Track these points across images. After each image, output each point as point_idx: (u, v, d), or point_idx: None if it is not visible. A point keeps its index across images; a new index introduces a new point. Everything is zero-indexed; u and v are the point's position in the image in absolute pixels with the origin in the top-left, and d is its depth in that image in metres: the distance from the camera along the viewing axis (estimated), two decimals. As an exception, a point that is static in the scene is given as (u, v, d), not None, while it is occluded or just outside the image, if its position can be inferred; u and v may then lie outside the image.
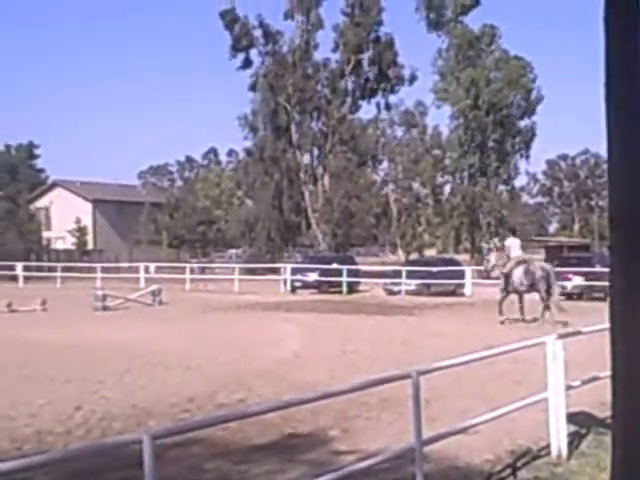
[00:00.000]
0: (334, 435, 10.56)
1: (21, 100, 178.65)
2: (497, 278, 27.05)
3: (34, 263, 58.02)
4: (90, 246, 76.69)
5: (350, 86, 63.90)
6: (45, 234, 77.53)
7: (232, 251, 72.16)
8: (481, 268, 31.83)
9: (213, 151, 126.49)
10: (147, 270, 49.49)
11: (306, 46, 62.90)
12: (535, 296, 25.36)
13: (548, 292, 24.64)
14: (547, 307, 24.70)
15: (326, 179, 63.63)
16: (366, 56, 63.24)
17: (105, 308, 30.91)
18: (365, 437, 10.32)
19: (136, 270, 49.47)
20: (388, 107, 67.44)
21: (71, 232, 75.43)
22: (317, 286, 41.92)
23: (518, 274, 24.93)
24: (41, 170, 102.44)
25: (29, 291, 40.24)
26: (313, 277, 42.29)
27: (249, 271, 51.10)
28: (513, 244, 25.96)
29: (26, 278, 50.26)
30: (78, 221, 75.67)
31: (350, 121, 65.28)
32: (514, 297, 25.64)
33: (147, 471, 5.06)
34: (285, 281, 43.27)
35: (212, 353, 18.47)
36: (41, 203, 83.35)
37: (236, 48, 62.34)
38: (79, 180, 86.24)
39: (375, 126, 77.43)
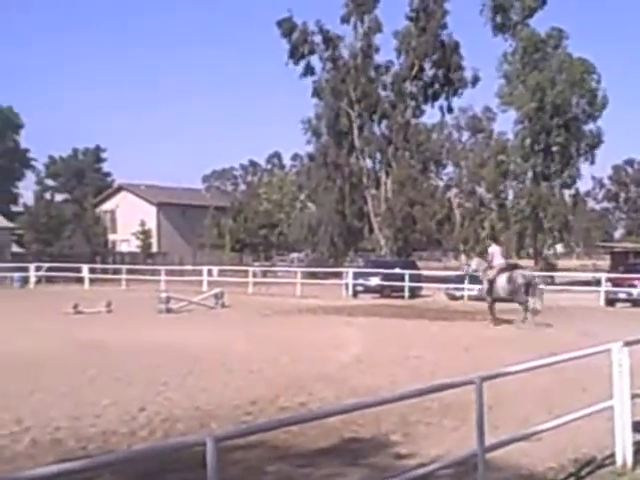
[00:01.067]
0: (395, 440, 10.53)
1: (89, 105, 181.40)
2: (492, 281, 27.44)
3: (99, 265, 58.80)
4: (154, 249, 77.48)
5: (414, 90, 63.64)
6: (110, 237, 78.54)
7: (294, 255, 72.35)
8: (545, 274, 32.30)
9: (277, 155, 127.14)
10: (210, 273, 49.86)
11: (367, 50, 62.81)
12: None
13: (529, 294, 26.28)
14: (525, 309, 26.36)
15: (389, 184, 63.44)
16: (430, 60, 62.91)
17: (169, 310, 31.18)
18: (426, 443, 10.27)
19: (199, 273, 49.86)
20: (451, 110, 67.03)
21: (136, 235, 76.29)
22: (379, 291, 41.81)
23: (501, 281, 26.64)
24: (107, 174, 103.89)
25: (94, 293, 40.83)
26: (375, 281, 42.21)
27: (311, 275, 51.20)
28: (496, 251, 27.72)
29: (92, 280, 50.96)
30: (143, 224, 76.49)
31: (414, 125, 65.03)
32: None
33: (210, 473, 5.09)
34: (347, 285, 43.25)
35: (274, 356, 18.53)
36: (107, 206, 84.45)
37: (295, 55, 62.46)
38: (144, 184, 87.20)
39: (439, 130, 77.12)
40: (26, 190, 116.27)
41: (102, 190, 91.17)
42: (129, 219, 78.47)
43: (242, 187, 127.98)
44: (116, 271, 54.37)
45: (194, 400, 13.28)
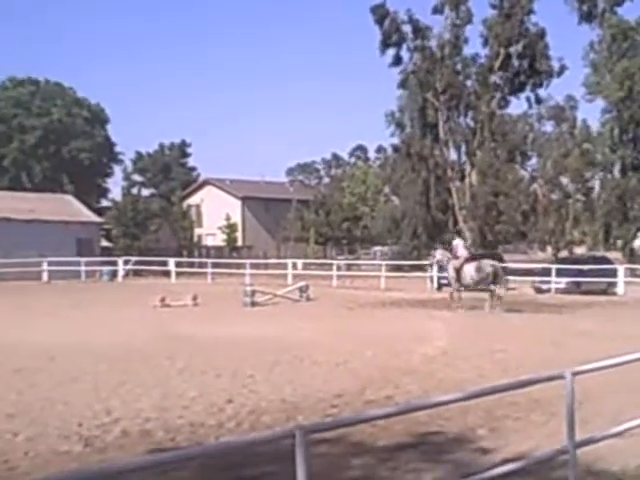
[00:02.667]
0: (482, 434, 10.44)
1: (174, 100, 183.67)
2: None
3: (186, 259, 59.54)
4: (239, 242, 78.13)
5: (499, 81, 62.84)
6: (196, 231, 79.42)
7: (377, 248, 72.15)
8: (634, 266, 32.64)
9: (361, 148, 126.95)
10: (295, 266, 50.07)
11: (455, 41, 62.20)
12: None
13: (494, 284, 29.00)
14: (491, 296, 28.86)
15: (474, 175, 62.85)
16: (515, 49, 61.97)
17: (254, 304, 31.39)
18: (514, 437, 10.16)
19: (284, 266, 50.10)
20: (538, 101, 65.97)
21: (221, 229, 77.02)
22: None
23: (469, 270, 29.07)
24: (192, 168, 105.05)
25: (181, 286, 41.36)
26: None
27: (395, 268, 51.03)
28: (459, 244, 30.74)
29: (178, 274, 51.61)
30: (228, 218, 77.16)
31: (499, 116, 64.22)
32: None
33: (299, 465, 5.10)
34: (432, 278, 43.00)
35: (359, 349, 18.53)
36: (193, 200, 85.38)
37: (386, 44, 62.11)
38: (229, 178, 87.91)
39: (524, 121, 76.05)
40: (114, 186, 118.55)
41: (188, 185, 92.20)
42: (214, 213, 79.26)
43: (325, 180, 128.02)
44: (202, 265, 54.93)
45: (280, 392, 13.36)
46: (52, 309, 30.05)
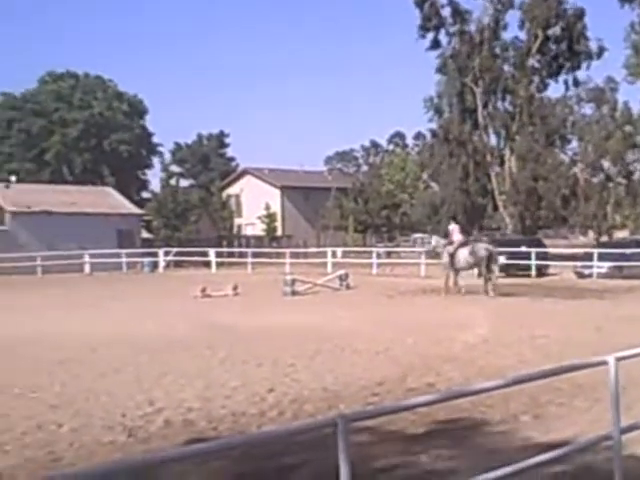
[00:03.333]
0: (525, 421, 10.38)
1: (211, 90, 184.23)
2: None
3: (226, 249, 59.78)
4: (279, 232, 78.30)
5: (537, 64, 62.19)
6: (236, 221, 79.71)
7: (416, 235, 71.93)
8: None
9: (399, 135, 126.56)
10: (334, 255, 50.05)
11: (495, 25, 61.60)
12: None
13: (488, 269, 29.52)
14: (487, 280, 29.45)
15: (513, 160, 62.36)
16: (553, 32, 61.23)
17: (294, 293, 31.44)
18: (558, 424, 10.09)
19: (323, 255, 50.11)
20: (576, 84, 65.20)
21: (261, 218, 77.22)
22: (505, 269, 41.19)
23: (463, 254, 29.70)
24: (231, 158, 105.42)
25: (221, 276, 41.54)
26: (501, 260, 41.55)
27: (435, 255, 50.81)
28: (455, 228, 31.39)
29: (218, 264, 51.82)
30: (267, 207, 77.33)
31: (538, 100, 63.60)
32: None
33: (341, 454, 5.09)
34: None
35: (400, 336, 18.50)
36: (232, 191, 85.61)
37: (425, 28, 61.66)
38: (267, 167, 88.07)
39: (563, 104, 75.32)
40: (154, 177, 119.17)
41: (227, 175, 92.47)
42: (254, 203, 79.49)
43: (364, 168, 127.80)
44: (242, 254, 55.14)
45: (321, 381, 13.37)
46: (94, 301, 30.32)
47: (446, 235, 32.74)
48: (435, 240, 32.61)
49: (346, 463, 5.08)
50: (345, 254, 52.73)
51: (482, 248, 30.10)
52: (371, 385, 12.91)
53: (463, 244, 30.30)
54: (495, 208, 63.98)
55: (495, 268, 30.12)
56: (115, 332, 20.23)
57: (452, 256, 29.85)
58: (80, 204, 57.67)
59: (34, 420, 10.96)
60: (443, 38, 62.61)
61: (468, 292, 29.50)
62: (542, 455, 7.25)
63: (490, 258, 29.55)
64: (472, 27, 62.13)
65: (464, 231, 31.85)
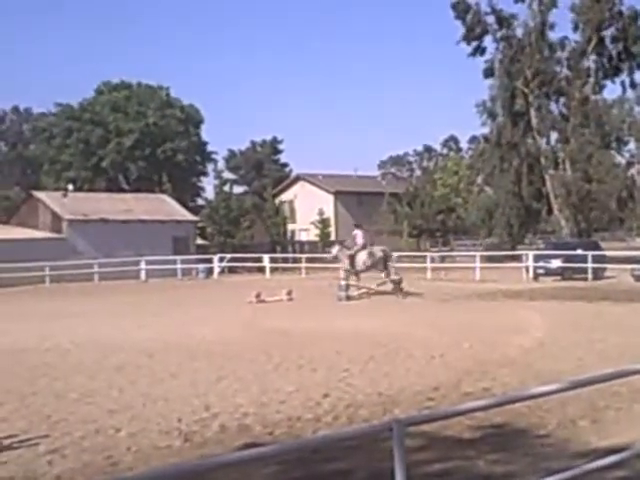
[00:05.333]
0: (583, 426, 10.26)
1: (264, 97, 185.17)
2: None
3: (280, 255, 59.95)
4: (333, 237, 78.32)
5: (592, 65, 61.49)
6: (290, 226, 79.86)
7: (466, 241, 71.46)
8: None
9: (453, 139, 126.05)
10: (388, 259, 49.85)
11: (542, 27, 61.08)
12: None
13: (385, 268, 32.07)
14: (387, 278, 31.87)
15: (567, 163, 61.67)
16: (608, 33, 60.52)
17: (348, 298, 31.42)
18: (616, 428, 9.97)
19: (377, 260, 49.93)
20: (633, 85, 64.23)
21: (314, 224, 77.30)
22: (560, 273, 40.78)
23: (362, 256, 32.01)
24: (285, 164, 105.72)
25: (275, 282, 41.67)
26: (556, 264, 41.14)
27: (489, 259, 50.51)
28: (358, 234, 33.46)
29: (272, 269, 52.01)
30: (321, 213, 77.40)
31: (594, 102, 62.83)
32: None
33: (397, 458, 5.08)
34: (527, 268, 42.41)
35: (455, 341, 18.41)
36: (285, 196, 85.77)
37: (469, 37, 61.51)
38: (321, 173, 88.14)
39: (620, 106, 74.37)
40: (208, 184, 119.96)
41: (280, 181, 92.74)
42: (307, 208, 79.55)
43: (417, 172, 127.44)
44: (296, 260, 55.29)
45: (376, 386, 13.35)
46: (150, 307, 30.61)
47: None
48: (336, 250, 33.95)
49: (402, 468, 5.07)
50: (399, 258, 52.57)
51: (379, 250, 32.89)
52: (426, 390, 12.87)
53: (362, 248, 32.52)
54: (550, 211, 63.33)
55: (391, 268, 32.42)
56: (171, 338, 20.42)
57: (352, 258, 32.08)
58: (136, 211, 58.27)
59: (92, 425, 11.11)
60: (489, 44, 62.34)
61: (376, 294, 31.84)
62: (600, 460, 7.17)
63: (386, 259, 32.33)
64: (518, 30, 61.70)
65: (365, 236, 33.83)
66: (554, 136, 63.64)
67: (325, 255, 42.92)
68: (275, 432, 10.57)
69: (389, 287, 32.95)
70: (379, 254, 32.28)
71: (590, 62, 61.29)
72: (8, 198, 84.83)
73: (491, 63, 62.56)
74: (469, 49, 62.24)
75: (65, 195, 58.46)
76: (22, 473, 9.05)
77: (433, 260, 50.45)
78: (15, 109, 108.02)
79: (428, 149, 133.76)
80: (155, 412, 11.86)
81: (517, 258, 47.52)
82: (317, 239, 75.14)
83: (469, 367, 14.87)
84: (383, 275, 32.40)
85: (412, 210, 77.23)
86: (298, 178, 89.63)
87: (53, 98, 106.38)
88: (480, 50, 62.23)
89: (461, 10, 60.99)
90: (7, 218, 62.98)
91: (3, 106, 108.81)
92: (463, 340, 18.46)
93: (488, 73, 63.17)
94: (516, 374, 14.00)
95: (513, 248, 56.38)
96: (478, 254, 47.43)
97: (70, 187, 62.76)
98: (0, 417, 11.81)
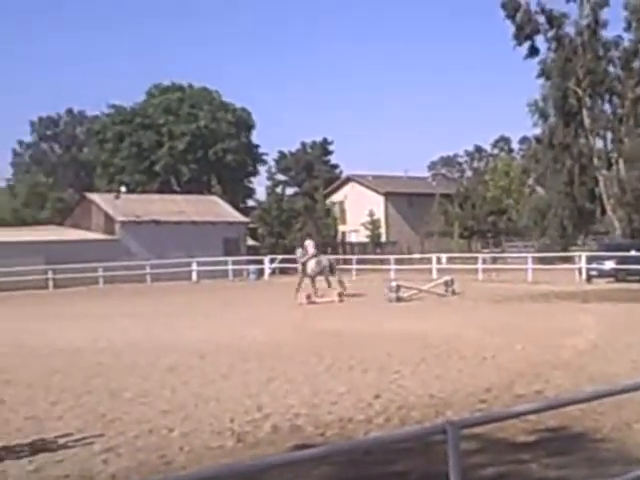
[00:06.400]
0: (639, 429, 10.12)
1: (314, 98, 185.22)
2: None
3: (330, 256, 59.91)
4: (383, 238, 78.20)
5: (646, 64, 60.57)
6: (340, 228, 79.87)
7: (518, 243, 70.89)
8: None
9: (504, 139, 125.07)
10: (439, 261, 49.73)
11: (594, 26, 60.40)
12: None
13: (331, 274, 35.29)
14: (330, 284, 34.64)
15: (621, 163, 60.89)
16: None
17: (399, 299, 31.37)
18: (673, 432, 9.82)
19: (428, 261, 49.82)
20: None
21: (364, 225, 77.24)
22: (614, 274, 40.26)
23: (311, 264, 35.27)
24: (335, 166, 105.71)
25: (326, 283, 41.70)
26: (609, 265, 40.61)
27: (542, 260, 50.06)
28: (309, 244, 36.85)
29: (323, 271, 52.00)
30: (371, 214, 77.30)
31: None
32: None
33: (452, 460, 5.05)
34: (580, 270, 41.95)
35: (507, 343, 18.29)
36: (336, 198, 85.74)
37: (519, 36, 61.01)
38: (371, 174, 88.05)
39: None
40: (259, 185, 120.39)
41: (330, 182, 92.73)
42: (357, 210, 79.52)
43: (468, 173, 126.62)
44: (346, 261, 55.23)
45: (428, 387, 13.31)
46: (202, 308, 30.83)
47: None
48: (300, 253, 37.17)
49: (457, 471, 5.04)
50: (450, 260, 52.31)
51: (325, 259, 36.31)
52: (478, 392, 12.80)
53: (314, 256, 35.80)
54: (603, 212, 62.59)
55: (335, 275, 35.49)
56: (223, 339, 20.55)
57: (304, 265, 35.75)
58: (187, 213, 58.73)
59: (146, 424, 11.22)
60: (541, 43, 61.77)
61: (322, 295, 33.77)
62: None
63: (331, 267, 35.74)
64: (570, 29, 61.05)
65: (317, 246, 38.05)
66: (607, 136, 62.86)
67: (374, 256, 43.21)
68: (327, 433, 10.58)
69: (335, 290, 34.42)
70: (325, 262, 35.69)
71: (642, 62, 60.42)
72: (62, 200, 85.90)
73: (543, 63, 62.06)
74: (521, 50, 61.80)
75: (118, 197, 59.10)
76: (78, 472, 9.17)
77: (484, 261, 50.11)
78: (69, 112, 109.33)
79: (479, 149, 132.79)
80: (207, 412, 11.94)
81: (570, 260, 47.03)
82: (367, 240, 75.11)
83: (521, 369, 14.76)
84: (326, 281, 35.14)
85: (463, 211, 76.86)
86: (348, 179, 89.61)
87: (106, 100, 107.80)
88: (533, 50, 61.70)
89: (511, 9, 60.53)
90: (61, 220, 63.88)
91: (57, 109, 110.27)
92: (515, 342, 18.33)
93: (540, 73, 62.62)
94: (569, 376, 13.87)
95: (565, 249, 55.78)
96: (530, 255, 47.05)
97: (123, 189, 63.47)
98: (56, 416, 11.99)
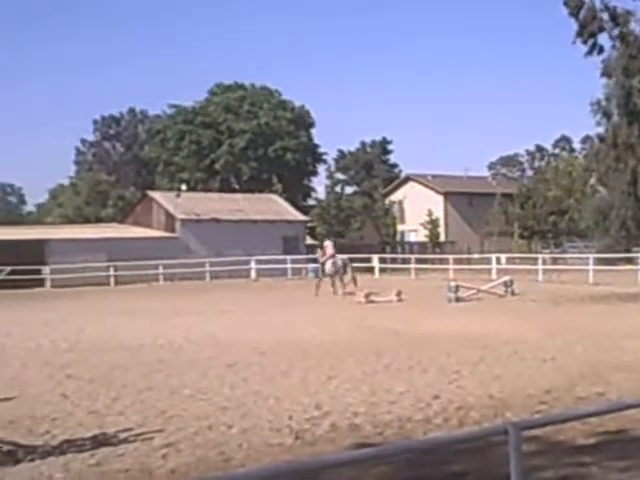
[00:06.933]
0: None
1: (374, 98, 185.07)
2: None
3: (389, 255, 59.93)
4: (442, 238, 77.91)
5: None
6: (399, 227, 79.75)
7: (579, 243, 70.08)
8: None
9: (565, 139, 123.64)
10: (498, 261, 49.38)
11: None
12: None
13: (345, 273, 37.41)
14: (350, 283, 36.64)
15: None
16: None
17: (458, 299, 31.19)
18: None
19: (487, 261, 49.53)
20: None
21: (423, 225, 77.04)
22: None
23: (328, 265, 37.50)
24: (394, 165, 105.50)
25: (384, 282, 41.66)
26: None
27: (603, 261, 49.39)
28: (328, 245, 39.16)
29: (381, 270, 52.03)
30: (430, 214, 77.07)
31: None
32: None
33: (513, 462, 5.00)
34: (644, 271, 41.29)
35: (567, 344, 18.09)
36: (395, 197, 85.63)
37: (583, 34, 60.24)
38: (430, 173, 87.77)
39: None
40: (319, 184, 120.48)
41: (390, 181, 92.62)
42: (417, 209, 79.32)
43: (528, 173, 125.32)
44: (405, 261, 55.16)
45: (487, 388, 13.23)
46: (261, 307, 30.98)
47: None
48: (319, 254, 39.79)
49: (518, 473, 4.99)
50: (510, 260, 51.91)
51: (339, 260, 37.97)
52: (538, 393, 12.68)
53: (330, 257, 37.82)
54: (669, 213, 61.52)
55: (348, 275, 37.69)
56: (281, 336, 20.63)
57: (323, 265, 38.20)
58: (247, 211, 59.11)
59: (205, 421, 11.31)
60: (605, 41, 60.88)
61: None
62: None
63: (344, 266, 37.72)
64: (636, 28, 60.06)
65: (335, 247, 39.79)
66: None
67: (433, 256, 43.15)
68: (385, 432, 10.57)
69: (351, 287, 36.21)
70: (339, 263, 37.67)
71: None
72: (124, 198, 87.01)
73: (607, 61, 61.21)
74: (584, 48, 61.02)
75: (178, 195, 59.71)
76: (138, 466, 9.28)
77: (545, 262, 49.60)
78: (131, 111, 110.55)
79: (540, 149, 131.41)
80: (266, 409, 12.00)
81: (632, 261, 46.35)
82: (426, 240, 74.87)
83: (582, 371, 14.59)
84: (346, 278, 37.35)
85: (524, 211, 76.19)
86: (408, 179, 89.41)
87: (168, 100, 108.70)
88: (596, 48, 60.88)
89: (574, 6, 59.81)
90: (123, 217, 64.73)
91: (120, 108, 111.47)
92: (576, 343, 18.13)
93: (604, 72, 61.78)
94: (631, 379, 13.67)
95: (628, 250, 54.96)
96: (591, 256, 46.46)
97: (183, 187, 64.09)
98: (117, 411, 12.15)
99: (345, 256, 39.97)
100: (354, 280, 37.14)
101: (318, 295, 35.29)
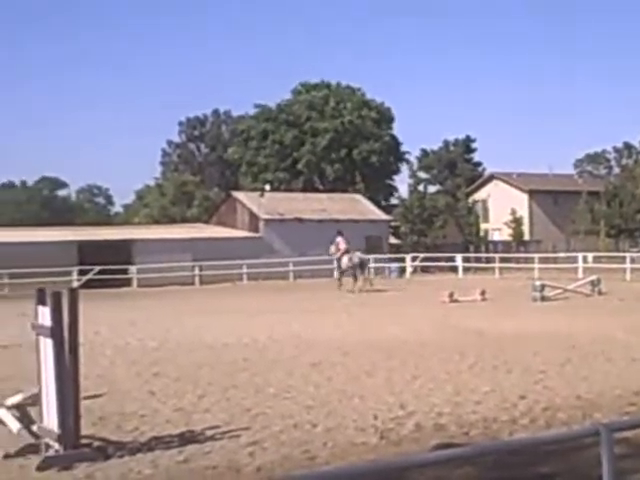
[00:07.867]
0: None
1: (457, 96, 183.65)
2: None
3: (472, 254, 59.48)
4: (527, 237, 77.00)
5: None
6: (483, 226, 79.04)
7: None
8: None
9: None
10: (585, 260, 48.60)
11: None
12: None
13: (361, 270, 38.21)
14: (365, 280, 38.03)
15: None
16: None
17: (543, 298, 30.79)
18: None
19: (574, 260, 48.78)
20: None
21: (507, 223, 76.26)
22: None
23: (345, 260, 38.35)
24: (478, 163, 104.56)
25: (468, 281, 41.38)
26: None
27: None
28: (340, 240, 39.39)
29: (465, 269, 51.66)
30: (514, 212, 76.26)
31: None
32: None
33: (605, 464, 4.91)
34: None
35: (658, 345, 17.74)
36: (478, 196, 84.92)
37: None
38: (515, 172, 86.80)
39: None
40: (401, 183, 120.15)
41: (473, 180, 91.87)
42: (501, 208, 78.57)
43: (616, 170, 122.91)
44: (489, 260, 54.69)
45: (574, 389, 13.03)
46: (343, 306, 31.01)
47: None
48: (332, 250, 40.01)
49: (610, 475, 4.90)
50: (596, 259, 51.04)
51: (357, 256, 38.45)
52: (627, 394, 12.45)
53: (346, 252, 38.53)
54: None
55: (365, 271, 38.90)
56: (365, 336, 20.63)
57: (338, 261, 39.16)
58: (330, 211, 59.22)
59: (290, 419, 11.37)
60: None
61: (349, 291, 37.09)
62: None
63: (362, 263, 38.35)
64: None
65: (347, 242, 39.62)
66: None
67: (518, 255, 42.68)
68: (471, 433, 10.49)
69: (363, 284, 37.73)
70: (356, 259, 38.11)
71: None
72: (208, 198, 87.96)
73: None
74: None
75: (262, 195, 60.11)
76: (225, 463, 9.38)
77: (633, 261, 48.62)
78: (215, 112, 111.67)
79: (628, 146, 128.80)
80: (351, 409, 12.01)
81: None
82: (510, 239, 74.08)
83: (674, 372, 14.28)
84: (360, 276, 38.20)
85: (611, 209, 74.82)
86: (492, 177, 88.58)
87: (252, 100, 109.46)
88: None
89: None
90: (208, 217, 65.53)
91: (204, 110, 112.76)
92: (667, 344, 17.76)
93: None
94: None
95: None
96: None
97: (267, 187, 64.55)
98: (203, 408, 12.30)
99: (365, 256, 40.83)
100: (369, 282, 38.43)
101: (341, 290, 37.65)
